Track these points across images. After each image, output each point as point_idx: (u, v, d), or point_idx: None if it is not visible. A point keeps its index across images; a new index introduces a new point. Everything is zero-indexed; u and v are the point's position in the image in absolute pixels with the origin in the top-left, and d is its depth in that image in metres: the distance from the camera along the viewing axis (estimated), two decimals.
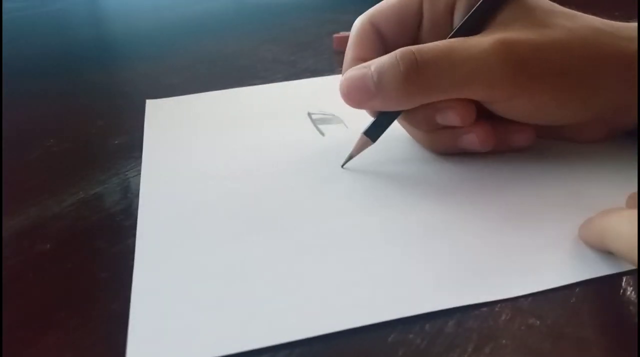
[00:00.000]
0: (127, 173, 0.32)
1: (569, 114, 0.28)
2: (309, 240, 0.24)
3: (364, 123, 0.30)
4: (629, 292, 0.21)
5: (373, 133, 0.29)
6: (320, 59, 0.50)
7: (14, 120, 0.40)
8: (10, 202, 0.29)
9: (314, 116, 0.36)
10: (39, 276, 0.24)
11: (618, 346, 0.19)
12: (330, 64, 0.49)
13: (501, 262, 0.22)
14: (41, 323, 0.21)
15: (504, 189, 0.27)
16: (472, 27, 0.28)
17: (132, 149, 0.34)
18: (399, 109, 0.29)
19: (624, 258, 0.20)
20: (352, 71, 0.28)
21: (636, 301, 0.20)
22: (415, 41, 0.30)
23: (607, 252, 0.22)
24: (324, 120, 0.34)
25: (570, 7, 0.29)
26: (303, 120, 0.36)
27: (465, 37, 0.27)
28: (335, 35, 0.52)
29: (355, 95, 0.28)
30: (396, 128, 0.31)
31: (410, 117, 0.29)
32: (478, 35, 0.27)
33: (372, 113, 0.30)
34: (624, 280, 0.21)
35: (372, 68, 0.27)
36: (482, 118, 0.28)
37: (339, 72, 0.46)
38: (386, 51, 0.28)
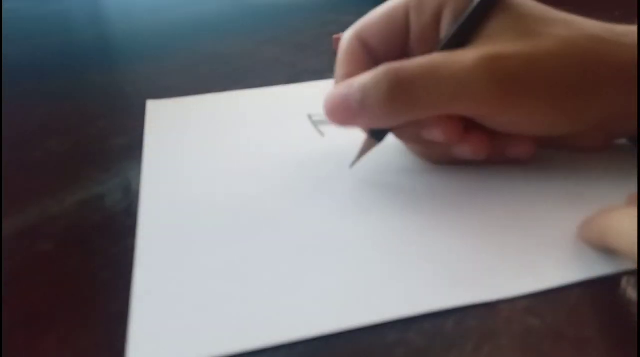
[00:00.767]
0: (127, 173, 0.32)
1: (564, 125, 0.27)
2: (308, 240, 0.24)
3: None
4: (629, 292, 0.21)
5: (378, 133, 0.29)
6: (321, 60, 0.50)
7: (14, 120, 0.40)
8: (10, 202, 0.29)
9: (314, 118, 0.36)
10: (39, 276, 0.24)
11: (618, 345, 0.19)
12: (331, 65, 0.49)
13: (501, 262, 0.22)
14: (41, 323, 0.21)
15: (503, 189, 0.27)
16: (459, 38, 0.27)
17: (133, 149, 0.34)
18: (384, 127, 0.28)
19: (625, 256, 0.20)
20: (335, 89, 0.28)
21: (636, 301, 0.20)
22: (405, 53, 0.29)
23: (607, 251, 0.22)
24: (324, 122, 0.34)
25: (569, 8, 0.28)
26: (303, 121, 0.36)
27: (450, 52, 0.26)
28: (336, 36, 0.52)
29: (338, 115, 0.27)
30: None
31: (397, 132, 0.29)
32: (464, 50, 0.26)
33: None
34: (624, 280, 0.21)
35: (355, 86, 0.26)
36: (476, 127, 0.27)
37: None
38: (376, 65, 0.27)
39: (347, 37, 0.30)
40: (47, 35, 0.65)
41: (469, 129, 0.27)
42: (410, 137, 0.29)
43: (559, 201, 0.26)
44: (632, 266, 0.20)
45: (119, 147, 0.35)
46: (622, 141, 0.31)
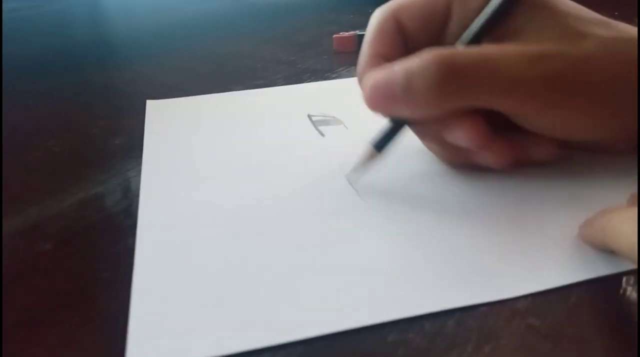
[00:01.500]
0: (127, 173, 0.32)
1: (602, 130, 0.27)
2: (308, 240, 0.24)
3: (364, 124, 0.29)
4: (629, 292, 0.21)
5: (380, 143, 0.27)
6: (321, 59, 0.50)
7: (14, 120, 0.40)
8: (10, 202, 0.29)
9: (314, 118, 0.36)
10: (39, 276, 0.24)
11: (618, 346, 0.19)
12: (330, 65, 0.49)
13: (501, 263, 0.22)
14: (41, 323, 0.21)
15: (503, 190, 0.27)
16: (486, 31, 0.26)
17: (133, 149, 0.34)
18: (424, 116, 0.26)
19: (625, 257, 0.20)
20: (376, 74, 0.26)
21: (636, 301, 0.20)
22: (439, 41, 0.28)
23: (607, 252, 0.22)
24: (324, 122, 0.34)
25: None
26: (303, 121, 0.36)
27: (502, 45, 0.26)
28: (335, 35, 0.52)
29: (379, 101, 0.26)
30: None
31: (418, 131, 0.28)
32: (514, 44, 0.26)
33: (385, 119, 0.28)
34: (624, 280, 0.21)
35: (399, 72, 0.25)
36: (498, 133, 0.27)
37: (339, 72, 0.47)
38: (406, 49, 0.26)
39: (381, 14, 0.28)
40: (47, 35, 0.65)
41: (493, 135, 0.26)
42: (432, 137, 0.28)
43: (559, 201, 0.26)
44: (632, 266, 0.20)
45: (118, 147, 0.35)
46: None
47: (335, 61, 0.50)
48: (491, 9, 0.26)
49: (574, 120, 0.26)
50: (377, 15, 0.29)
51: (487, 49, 0.26)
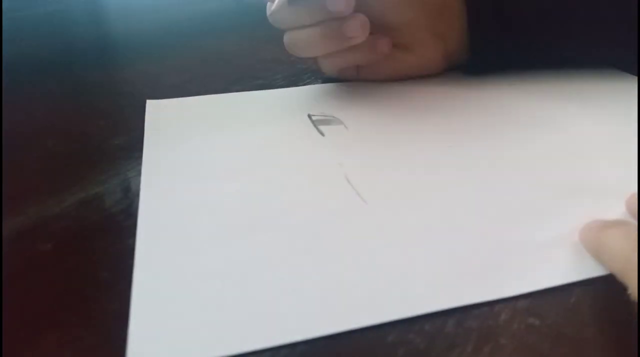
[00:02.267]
0: (127, 173, 0.32)
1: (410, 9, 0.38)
2: (309, 240, 0.24)
3: (364, 125, 0.29)
4: (628, 292, 0.21)
5: None
6: None
7: (14, 120, 0.40)
8: (11, 202, 0.29)
9: (314, 117, 0.36)
10: (39, 276, 0.24)
11: (618, 345, 0.19)
12: None
13: (501, 262, 0.22)
14: (41, 323, 0.21)
15: (503, 188, 0.27)
16: None
17: (133, 149, 0.34)
18: None
19: (617, 277, 0.20)
20: None
21: (636, 301, 0.20)
22: None
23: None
24: (324, 121, 0.34)
25: None
26: (303, 121, 0.36)
27: None
28: None
29: None
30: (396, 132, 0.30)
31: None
32: None
33: None
34: None
35: None
36: None
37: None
38: None
39: None
40: (47, 35, 0.65)
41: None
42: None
43: (559, 200, 0.26)
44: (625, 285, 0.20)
45: (118, 147, 0.35)
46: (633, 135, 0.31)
47: None
48: None
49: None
50: None
51: None
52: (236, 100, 0.41)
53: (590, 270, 0.22)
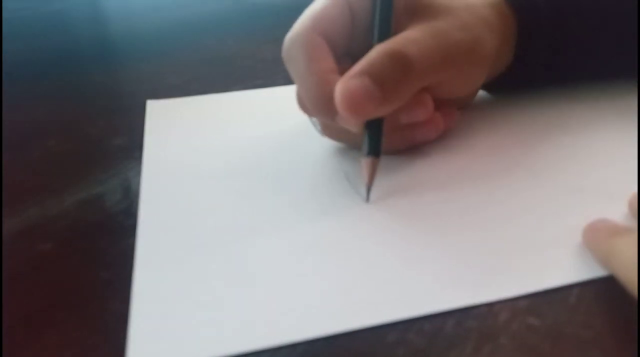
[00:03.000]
0: (127, 173, 0.32)
1: (474, 87, 0.34)
2: (309, 240, 0.24)
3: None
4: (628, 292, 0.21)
5: (375, 149, 0.28)
6: None
7: (14, 120, 0.40)
8: (11, 202, 0.29)
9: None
10: (39, 276, 0.24)
11: (618, 345, 0.19)
12: None
13: (501, 262, 0.22)
14: (41, 323, 0.21)
15: (503, 189, 0.27)
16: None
17: (133, 149, 0.34)
18: (397, 106, 0.28)
19: (626, 286, 0.20)
20: (347, 84, 0.26)
21: (636, 300, 0.20)
22: (350, 43, 0.31)
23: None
24: None
25: None
26: (303, 120, 0.36)
27: (411, 30, 0.29)
28: None
29: (363, 106, 0.26)
30: None
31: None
32: (421, 25, 0.29)
33: (359, 128, 0.28)
34: None
35: (367, 75, 0.26)
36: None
37: None
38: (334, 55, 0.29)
39: (305, 34, 0.29)
40: (47, 35, 0.65)
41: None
42: (388, 129, 0.29)
43: (559, 200, 0.26)
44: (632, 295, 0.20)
45: (118, 147, 0.35)
46: (633, 135, 0.31)
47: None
48: (378, 6, 0.29)
49: (464, 80, 0.32)
50: (302, 37, 0.29)
51: (413, 35, 0.28)
52: (236, 100, 0.41)
53: (590, 270, 0.22)
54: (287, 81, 0.44)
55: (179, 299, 0.21)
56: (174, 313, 0.21)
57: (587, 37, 0.34)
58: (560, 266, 0.22)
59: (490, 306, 0.20)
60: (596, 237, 0.22)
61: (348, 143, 0.32)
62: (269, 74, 0.47)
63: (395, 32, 0.29)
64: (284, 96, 0.41)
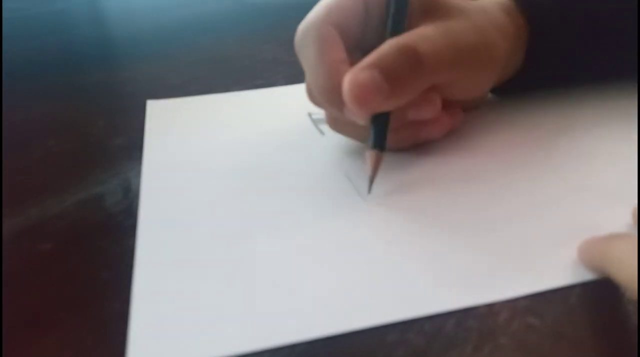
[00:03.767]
0: (127, 173, 0.32)
1: (485, 88, 0.34)
2: (309, 240, 0.24)
3: None
4: (628, 293, 0.21)
5: (380, 143, 0.28)
6: None
7: (14, 120, 0.40)
8: (11, 202, 0.29)
9: (314, 116, 0.36)
10: (39, 275, 0.24)
11: (617, 346, 0.19)
12: None
13: (501, 263, 0.22)
14: (41, 323, 0.21)
15: (504, 189, 0.27)
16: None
17: (133, 149, 0.34)
18: (406, 101, 0.28)
19: (625, 287, 0.19)
20: (356, 76, 0.26)
21: (635, 301, 0.20)
22: (363, 37, 0.31)
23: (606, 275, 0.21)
24: (324, 120, 0.34)
25: None
26: (303, 120, 0.36)
27: (424, 27, 0.29)
28: None
29: (370, 99, 0.26)
30: None
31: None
32: (434, 23, 0.29)
33: (366, 121, 0.28)
34: None
35: (377, 68, 0.26)
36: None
37: None
38: (347, 47, 0.29)
39: (318, 25, 0.29)
40: (47, 35, 0.65)
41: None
42: (395, 124, 0.29)
43: (560, 200, 0.26)
44: (632, 296, 0.20)
45: (119, 147, 0.35)
46: (635, 135, 0.31)
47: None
48: (393, 1, 0.29)
49: (474, 82, 0.32)
50: (315, 27, 0.29)
51: (425, 32, 0.28)
52: (236, 99, 0.41)
53: (590, 272, 0.22)
54: (287, 81, 0.45)
55: (179, 299, 0.21)
56: (174, 313, 0.21)
57: (597, 42, 0.34)
58: (560, 266, 0.22)
59: (490, 306, 0.20)
60: (593, 244, 0.22)
61: (354, 137, 0.32)
62: (269, 74, 0.47)
63: (409, 29, 0.29)
64: (284, 96, 0.42)
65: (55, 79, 0.50)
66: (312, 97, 0.31)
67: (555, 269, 0.22)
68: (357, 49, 0.30)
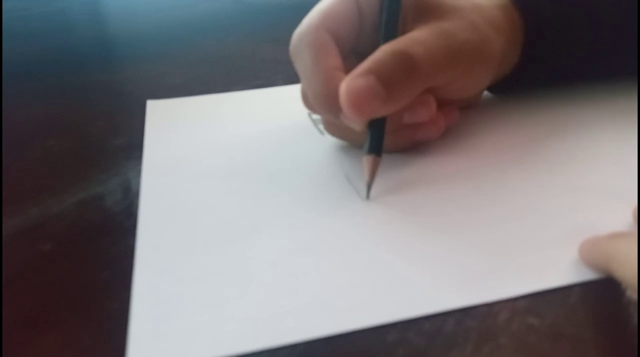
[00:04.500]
0: (127, 173, 0.32)
1: (480, 87, 0.34)
2: (309, 240, 0.25)
3: None
4: (628, 293, 0.21)
5: (377, 148, 0.28)
6: None
7: (14, 120, 0.40)
8: (11, 202, 0.29)
9: (313, 116, 0.36)
10: (39, 276, 0.24)
11: (617, 346, 0.19)
12: None
13: (501, 262, 0.22)
14: (41, 323, 0.21)
15: (503, 188, 0.27)
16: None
17: (133, 149, 0.34)
18: (402, 106, 0.28)
19: (629, 286, 0.20)
20: (352, 83, 0.26)
21: (636, 301, 0.20)
22: (359, 37, 0.31)
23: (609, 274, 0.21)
24: None
25: None
26: (303, 120, 0.36)
27: (418, 30, 0.29)
28: None
29: (367, 105, 0.26)
30: None
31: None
32: (427, 25, 0.29)
33: (362, 126, 0.28)
34: None
35: (373, 74, 0.26)
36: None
37: None
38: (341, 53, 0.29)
39: (314, 31, 0.29)
40: (47, 35, 0.65)
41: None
42: (388, 124, 0.29)
43: (559, 199, 0.26)
44: (633, 295, 0.20)
45: (119, 147, 0.35)
46: (634, 135, 0.31)
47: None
48: (386, 5, 0.30)
49: (470, 80, 0.32)
50: (310, 33, 0.29)
51: (419, 36, 0.28)
52: (236, 99, 0.41)
53: (591, 271, 0.22)
54: (287, 81, 0.45)
55: (179, 299, 0.21)
56: (174, 313, 0.21)
57: (592, 38, 0.34)
58: (560, 266, 0.22)
59: (490, 306, 0.20)
60: (595, 243, 0.22)
61: (350, 141, 0.32)
62: (269, 74, 0.47)
63: (402, 33, 0.29)
64: (284, 96, 0.42)
65: (55, 79, 0.50)
66: (307, 102, 0.31)
67: (555, 269, 0.22)
68: (352, 55, 0.30)
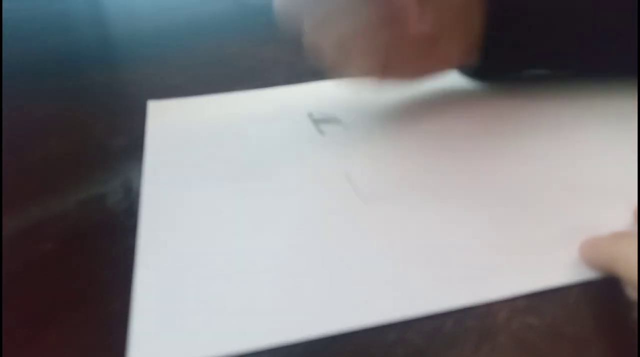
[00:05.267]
0: (128, 173, 0.32)
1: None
2: (309, 240, 0.25)
3: (364, 124, 0.29)
4: (628, 292, 0.21)
5: None
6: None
7: (15, 120, 0.40)
8: (11, 202, 0.29)
9: (314, 116, 0.36)
10: (39, 275, 0.24)
11: (617, 345, 0.19)
12: None
13: (500, 262, 0.23)
14: (41, 323, 0.21)
15: (502, 188, 0.27)
16: None
17: (134, 149, 0.34)
18: None
19: (632, 285, 0.19)
20: None
21: (636, 301, 0.20)
22: None
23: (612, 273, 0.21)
24: (324, 120, 0.34)
25: None
26: (303, 121, 0.36)
27: None
28: None
29: None
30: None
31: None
32: None
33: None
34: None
35: None
36: None
37: None
38: None
39: None
40: (47, 35, 0.65)
41: None
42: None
43: (559, 199, 0.26)
44: (635, 294, 0.20)
45: (120, 147, 0.35)
46: (633, 134, 0.31)
47: None
48: None
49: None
50: None
51: None
52: (237, 100, 0.42)
53: (590, 271, 0.22)
54: (287, 81, 0.45)
55: (179, 298, 0.21)
56: (175, 313, 0.21)
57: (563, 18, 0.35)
58: (560, 266, 0.22)
59: (489, 306, 0.20)
60: (597, 242, 0.22)
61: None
62: (269, 74, 0.47)
63: None
64: (284, 96, 0.42)
65: (56, 79, 0.50)
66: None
67: (554, 268, 0.22)
68: None
